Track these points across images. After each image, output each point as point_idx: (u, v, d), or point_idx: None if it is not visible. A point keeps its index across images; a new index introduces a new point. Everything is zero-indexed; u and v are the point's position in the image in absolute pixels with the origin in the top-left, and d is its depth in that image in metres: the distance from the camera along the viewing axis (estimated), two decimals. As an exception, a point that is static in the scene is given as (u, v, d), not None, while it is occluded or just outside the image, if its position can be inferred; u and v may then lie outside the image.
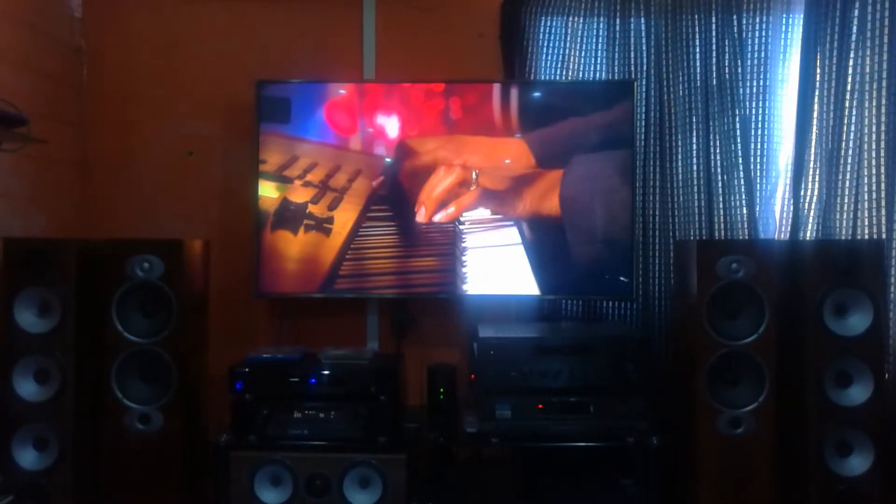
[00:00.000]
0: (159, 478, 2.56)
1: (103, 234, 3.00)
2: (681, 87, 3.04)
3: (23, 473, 2.47)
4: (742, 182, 2.98)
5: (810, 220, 2.88)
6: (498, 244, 3.00)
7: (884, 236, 2.71)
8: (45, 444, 2.48)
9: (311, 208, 3.01)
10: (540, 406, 2.63)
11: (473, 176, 2.99)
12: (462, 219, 3.00)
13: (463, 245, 3.00)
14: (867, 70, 2.78)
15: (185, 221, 3.17)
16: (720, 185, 3.00)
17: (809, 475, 2.46)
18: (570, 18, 3.10)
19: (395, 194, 3.01)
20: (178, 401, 2.56)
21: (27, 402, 2.47)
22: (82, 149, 3.23)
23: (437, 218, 3.00)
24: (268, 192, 3.01)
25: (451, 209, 3.00)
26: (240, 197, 3.13)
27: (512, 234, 3.00)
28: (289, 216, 3.01)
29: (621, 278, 2.97)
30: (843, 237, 2.80)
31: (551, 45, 3.11)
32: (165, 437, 2.56)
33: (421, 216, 3.00)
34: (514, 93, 3.00)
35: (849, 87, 2.81)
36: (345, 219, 3.01)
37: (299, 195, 3.01)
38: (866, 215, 2.76)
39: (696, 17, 3.02)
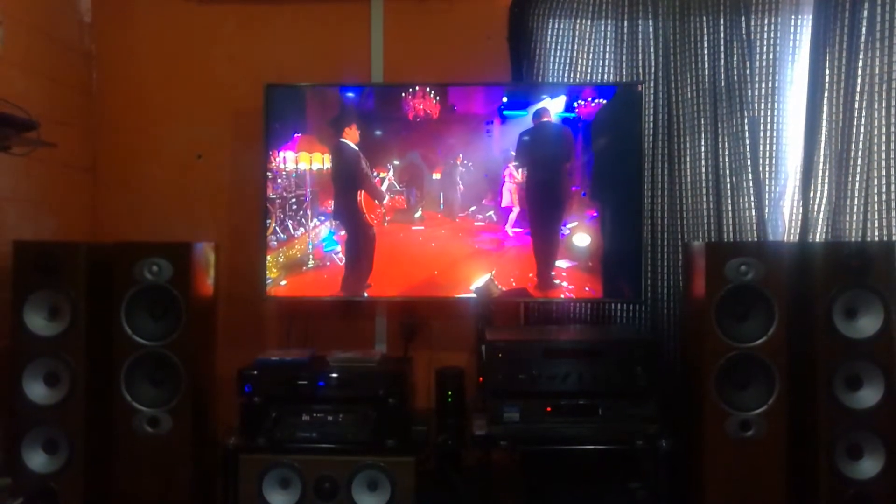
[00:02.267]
0: (168, 480, 2.57)
1: (113, 237, 3.01)
2: (689, 89, 3.03)
3: (33, 476, 2.48)
4: (751, 184, 2.97)
5: (820, 221, 2.87)
6: (505, 245, 3.01)
7: (894, 238, 2.69)
8: (54, 446, 2.50)
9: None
10: (549, 409, 2.62)
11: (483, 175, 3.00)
12: (476, 219, 3.00)
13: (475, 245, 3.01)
14: (876, 71, 2.77)
15: (194, 224, 3.19)
16: (729, 187, 2.99)
17: (820, 478, 2.45)
18: (578, 20, 3.11)
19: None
20: (186, 403, 2.57)
21: (37, 404, 2.49)
22: (92, 152, 3.24)
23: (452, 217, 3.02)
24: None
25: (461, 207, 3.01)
26: (248, 199, 3.14)
27: (519, 235, 3.01)
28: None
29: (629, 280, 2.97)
30: (853, 239, 2.78)
31: (559, 47, 3.11)
32: (174, 440, 2.56)
33: (435, 217, 3.01)
34: (523, 94, 3.01)
35: (858, 89, 2.79)
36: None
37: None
38: (876, 217, 2.74)
39: (704, 18, 3.02)
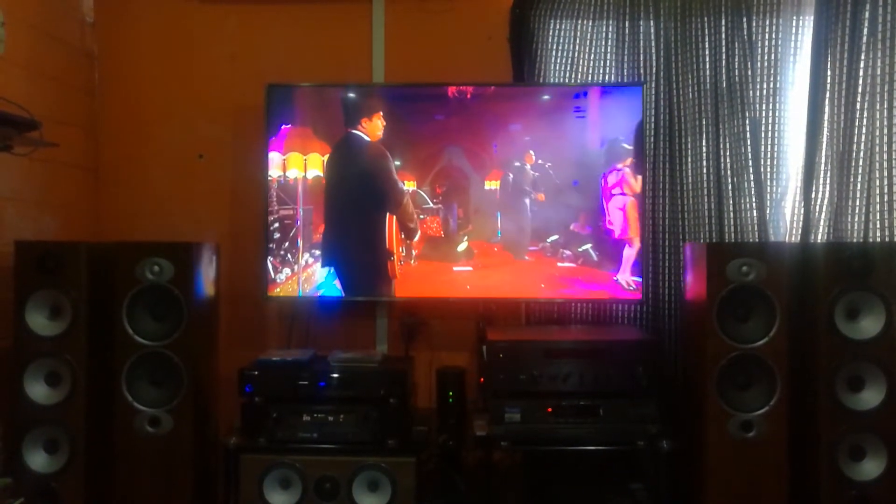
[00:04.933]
0: (169, 480, 2.57)
1: (114, 237, 3.02)
2: (690, 90, 3.03)
3: (33, 476, 2.48)
4: (752, 185, 2.97)
5: (821, 222, 2.87)
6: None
7: (896, 238, 2.70)
8: (55, 446, 2.49)
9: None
10: (549, 409, 2.62)
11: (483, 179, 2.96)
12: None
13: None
14: (878, 72, 2.77)
15: (196, 224, 3.19)
16: (730, 187, 2.99)
17: (822, 480, 2.44)
18: (580, 21, 3.10)
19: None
20: (187, 403, 2.57)
21: (38, 404, 2.49)
22: (93, 152, 3.25)
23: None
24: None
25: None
26: (250, 199, 3.14)
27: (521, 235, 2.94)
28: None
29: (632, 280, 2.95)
30: (855, 240, 2.78)
31: (560, 47, 3.10)
32: (175, 440, 2.56)
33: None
34: (523, 95, 2.99)
35: (860, 90, 2.79)
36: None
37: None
38: (878, 217, 2.74)
39: (706, 19, 3.02)
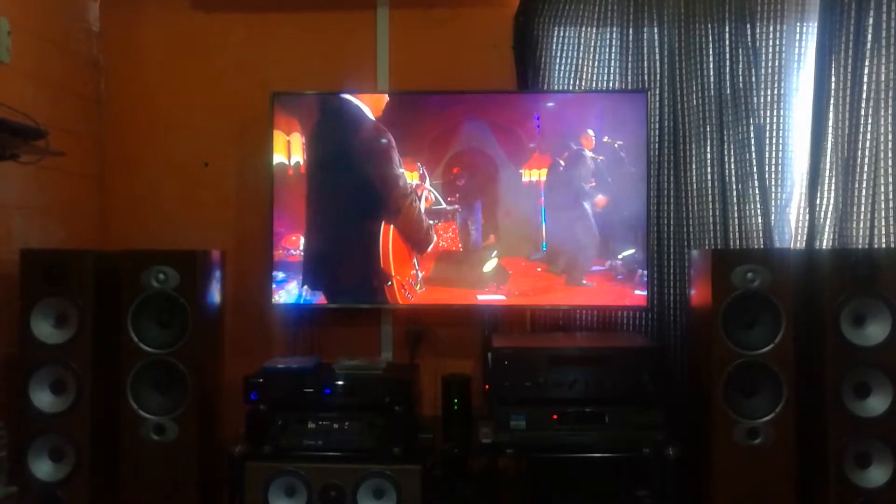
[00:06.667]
0: (174, 488, 2.57)
1: (120, 245, 3.03)
2: (694, 97, 3.03)
3: (39, 484, 2.48)
4: (757, 191, 2.96)
5: (826, 228, 2.87)
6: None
7: (901, 244, 2.69)
8: (61, 454, 2.50)
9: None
10: (555, 416, 2.62)
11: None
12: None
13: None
14: (882, 78, 2.77)
15: (201, 232, 3.19)
16: (735, 194, 2.99)
17: (828, 487, 2.43)
18: (584, 28, 3.11)
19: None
20: (193, 411, 2.57)
21: (43, 412, 2.49)
22: (99, 161, 3.26)
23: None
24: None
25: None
26: (255, 207, 3.15)
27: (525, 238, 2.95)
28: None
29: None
30: (860, 246, 2.77)
31: (565, 55, 3.11)
32: (180, 448, 2.56)
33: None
34: (528, 102, 3.00)
35: (864, 95, 2.80)
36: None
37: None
38: (883, 223, 2.74)
39: (710, 26, 3.02)
